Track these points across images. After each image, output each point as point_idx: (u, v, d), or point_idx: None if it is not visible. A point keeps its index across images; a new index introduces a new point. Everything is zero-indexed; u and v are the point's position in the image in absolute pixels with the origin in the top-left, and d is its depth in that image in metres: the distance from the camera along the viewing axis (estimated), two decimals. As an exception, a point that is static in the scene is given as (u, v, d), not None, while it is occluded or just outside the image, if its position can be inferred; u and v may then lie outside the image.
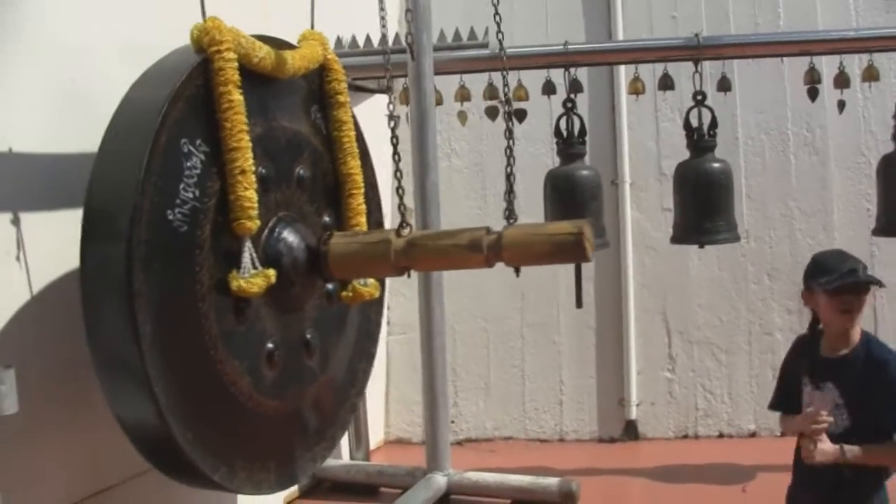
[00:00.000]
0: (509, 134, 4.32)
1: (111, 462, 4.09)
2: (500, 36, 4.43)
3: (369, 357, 4.78)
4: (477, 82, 5.63)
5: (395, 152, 4.06)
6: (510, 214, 3.97)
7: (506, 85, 4.54)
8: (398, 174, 4.07)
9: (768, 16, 6.45)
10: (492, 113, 5.68)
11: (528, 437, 6.73)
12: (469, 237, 3.83)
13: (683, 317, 6.59)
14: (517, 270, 3.82)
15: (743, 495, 5.45)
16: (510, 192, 4.04)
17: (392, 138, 4.07)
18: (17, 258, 3.70)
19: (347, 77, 4.49)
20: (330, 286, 4.26)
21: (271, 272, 3.67)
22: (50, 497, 3.80)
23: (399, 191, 4.06)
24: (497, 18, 4.60)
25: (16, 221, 3.67)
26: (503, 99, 4.62)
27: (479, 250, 3.80)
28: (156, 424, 3.35)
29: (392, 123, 4.10)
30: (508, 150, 4.21)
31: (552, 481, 5.37)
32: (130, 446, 3.57)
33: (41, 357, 3.73)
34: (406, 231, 3.95)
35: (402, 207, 4.06)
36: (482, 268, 3.89)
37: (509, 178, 4.10)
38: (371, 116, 5.23)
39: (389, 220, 5.92)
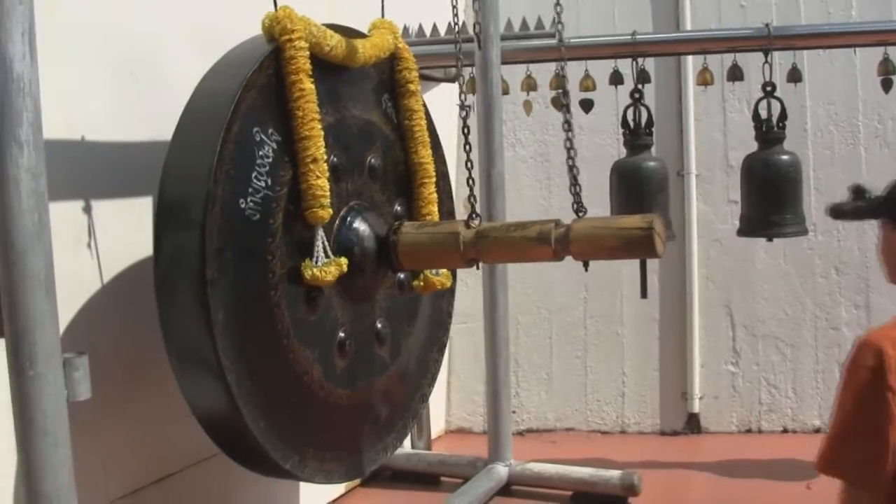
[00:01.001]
0: (568, 126, 4.31)
1: (176, 448, 4.13)
2: (559, 26, 4.41)
3: (441, 347, 4.78)
4: (544, 72, 5.59)
5: (466, 142, 4.05)
6: (579, 207, 3.95)
7: (564, 76, 4.51)
8: (468, 164, 4.06)
9: (840, 5, 6.32)
10: (558, 103, 5.65)
11: (589, 428, 6.70)
12: (538, 230, 3.82)
13: (748, 310, 6.52)
14: (586, 265, 3.80)
15: (807, 493, 5.37)
16: (574, 184, 4.02)
17: (463, 128, 4.05)
18: (89, 245, 3.73)
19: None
20: (401, 275, 4.26)
21: (343, 261, 3.68)
22: (116, 482, 3.84)
23: (469, 181, 4.04)
24: (558, 8, 4.58)
25: (87, 209, 3.71)
26: (564, 90, 4.60)
27: (547, 243, 3.78)
28: (228, 413, 3.38)
29: (463, 113, 4.08)
30: (569, 142, 4.19)
31: (614, 474, 5.33)
32: (194, 433, 3.60)
33: (111, 344, 3.77)
34: (475, 222, 3.94)
35: (471, 198, 4.04)
36: (550, 261, 3.88)
37: (571, 170, 4.09)
38: (437, 106, 5.22)
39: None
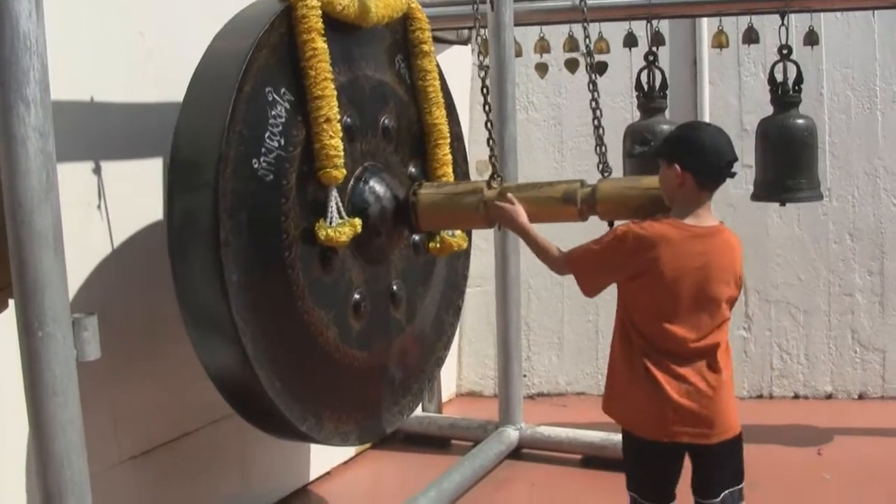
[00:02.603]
0: (593, 87, 4.29)
1: (188, 409, 4.15)
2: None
3: (456, 310, 4.79)
4: (557, 34, 5.54)
5: (486, 102, 4.02)
6: (604, 167, 3.96)
7: (587, 37, 4.47)
8: (488, 124, 4.03)
9: (858, -34, 6.25)
10: (571, 66, 5.60)
11: (600, 392, 6.55)
12: (563, 189, 3.82)
13: (761, 275, 6.48)
14: (611, 224, 3.78)
15: (819, 458, 5.37)
16: (600, 144, 4.01)
17: (482, 88, 4.02)
18: (99, 207, 3.72)
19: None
20: (416, 237, 4.24)
21: (357, 221, 3.67)
22: (129, 441, 3.86)
23: (490, 142, 4.01)
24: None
25: (97, 171, 3.70)
26: (584, 52, 4.56)
27: (573, 203, 3.79)
28: (244, 374, 3.39)
29: (482, 73, 4.05)
30: (594, 103, 4.17)
31: (625, 438, 5.32)
32: (207, 393, 3.61)
33: (122, 304, 3.77)
34: (497, 182, 3.91)
35: (492, 158, 4.00)
36: (574, 221, 3.86)
37: (598, 129, 4.07)
38: (449, 68, 5.18)
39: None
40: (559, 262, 3.46)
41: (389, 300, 4.12)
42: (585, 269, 3.38)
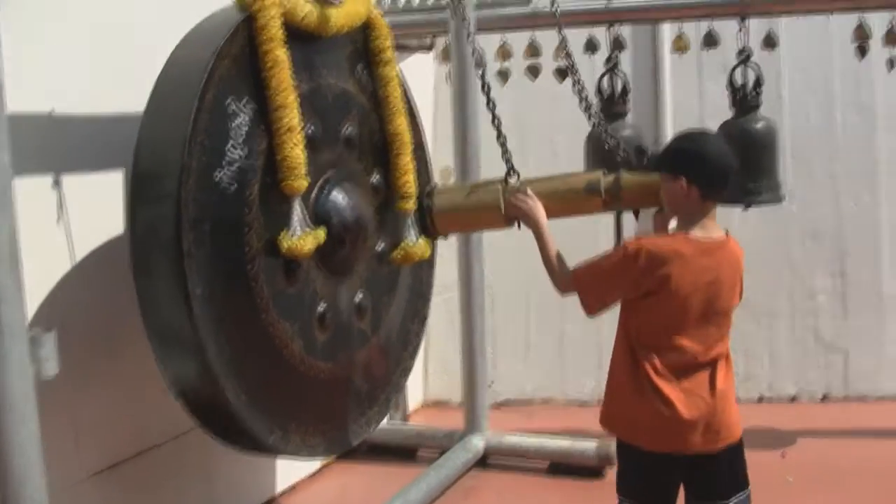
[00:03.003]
0: (581, 88, 4.28)
1: (153, 423, 4.12)
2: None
3: (422, 319, 4.77)
4: (520, 40, 5.54)
5: (489, 101, 4.01)
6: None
7: (565, 43, 4.45)
8: (496, 122, 3.99)
9: (816, -29, 6.30)
10: (533, 72, 5.60)
11: (566, 399, 6.69)
12: (586, 180, 3.80)
13: (724, 279, 6.50)
14: (636, 214, 3.77)
15: (782, 461, 5.41)
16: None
17: (483, 86, 4.01)
18: (59, 221, 3.67)
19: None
20: (380, 247, 4.21)
21: (321, 232, 3.64)
22: (92, 458, 3.82)
23: (500, 140, 3.95)
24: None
25: (57, 184, 3.64)
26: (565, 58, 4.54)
27: (597, 193, 3.77)
28: (209, 387, 3.35)
29: (479, 71, 4.04)
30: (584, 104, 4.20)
31: (590, 444, 5.34)
32: (172, 407, 3.57)
33: (83, 319, 3.73)
34: (514, 179, 3.87)
35: (505, 155, 3.94)
36: (599, 212, 3.86)
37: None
38: (413, 75, 5.17)
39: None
40: (565, 278, 3.40)
41: (354, 311, 4.09)
42: (593, 286, 3.33)
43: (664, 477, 3.32)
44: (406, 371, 4.68)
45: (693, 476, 3.30)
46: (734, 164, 3.24)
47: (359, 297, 4.12)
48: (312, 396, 3.82)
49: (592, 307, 3.34)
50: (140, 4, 4.02)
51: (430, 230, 4.01)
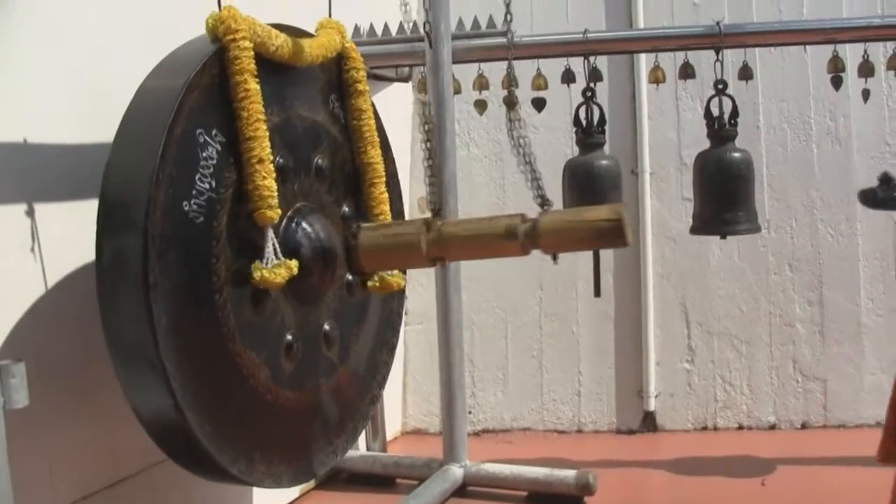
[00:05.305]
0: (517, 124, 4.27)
1: (127, 453, 4.08)
2: (509, 21, 4.34)
3: (391, 348, 4.76)
4: (497, 71, 5.58)
5: (427, 139, 4.00)
6: (544, 201, 3.94)
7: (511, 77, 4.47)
8: (426, 162, 4.00)
9: (791, 3, 6.34)
10: (510, 102, 5.63)
11: (545, 428, 6.69)
12: (505, 225, 3.79)
13: (703, 308, 6.53)
14: (555, 257, 3.78)
15: (762, 488, 5.40)
16: (536, 179, 3.99)
17: (424, 125, 4.01)
18: (32, 250, 3.67)
19: (366, 66, 4.44)
20: (350, 277, 4.23)
21: (293, 263, 3.63)
22: (65, 489, 3.78)
23: (428, 180, 3.98)
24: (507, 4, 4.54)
25: (30, 213, 3.64)
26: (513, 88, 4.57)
27: (515, 238, 3.76)
28: (173, 418, 3.33)
29: (425, 110, 4.06)
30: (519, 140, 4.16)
31: (569, 473, 5.32)
32: (145, 437, 3.55)
33: (55, 349, 3.71)
34: (437, 221, 3.91)
35: (430, 196, 3.98)
36: (517, 255, 3.85)
37: (531, 164, 4.05)
38: (388, 105, 5.20)
39: (408, 211, 5.88)
40: None
41: (322, 340, 4.09)
42: None
43: None
44: (374, 400, 4.67)
45: None
46: None
47: (327, 326, 4.13)
48: (278, 425, 3.81)
49: None
50: (117, 31, 4.03)
51: (356, 268, 4.02)
